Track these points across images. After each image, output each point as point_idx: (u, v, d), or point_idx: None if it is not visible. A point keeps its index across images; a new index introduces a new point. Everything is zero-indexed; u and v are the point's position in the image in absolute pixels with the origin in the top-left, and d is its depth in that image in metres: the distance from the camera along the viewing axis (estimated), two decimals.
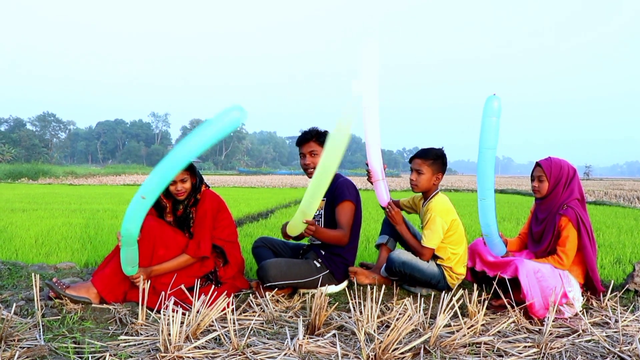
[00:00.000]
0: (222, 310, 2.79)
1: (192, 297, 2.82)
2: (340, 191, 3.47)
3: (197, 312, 2.64)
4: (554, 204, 3.32)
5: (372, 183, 3.60)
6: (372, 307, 2.63)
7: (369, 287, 2.81)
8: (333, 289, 3.51)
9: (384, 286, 3.05)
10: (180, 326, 2.41)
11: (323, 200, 3.60)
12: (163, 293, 3.00)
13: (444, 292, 3.04)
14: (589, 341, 2.63)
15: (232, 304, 2.97)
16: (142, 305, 2.82)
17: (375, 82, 3.27)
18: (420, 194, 3.68)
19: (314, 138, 3.53)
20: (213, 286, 3.28)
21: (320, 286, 3.38)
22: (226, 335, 2.55)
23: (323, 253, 3.52)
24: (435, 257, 3.54)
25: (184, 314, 2.67)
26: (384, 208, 3.64)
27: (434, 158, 3.51)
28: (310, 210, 3.03)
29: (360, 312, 2.65)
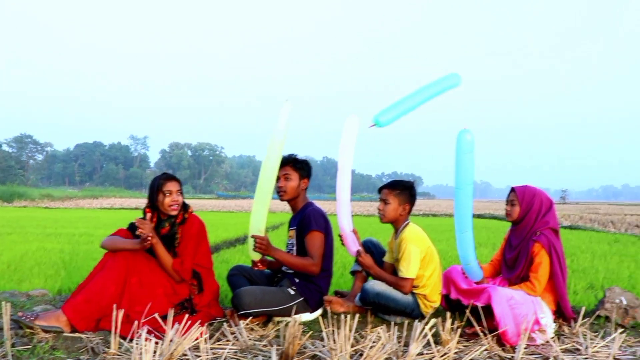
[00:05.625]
0: (195, 339, 2.77)
1: (166, 325, 2.80)
2: (307, 221, 3.50)
3: (171, 341, 2.62)
4: (526, 230, 3.39)
5: (340, 236, 3.66)
6: (345, 335, 2.64)
7: (342, 315, 2.82)
8: (307, 317, 3.51)
9: (357, 314, 3.06)
10: (153, 355, 2.40)
11: (293, 229, 3.63)
12: (136, 322, 2.97)
13: (417, 320, 3.06)
14: None
15: (206, 333, 2.95)
16: (115, 333, 2.78)
17: (352, 150, 3.49)
18: (390, 238, 3.79)
19: (290, 163, 3.60)
20: (187, 314, 3.25)
21: (295, 314, 3.37)
22: None
23: (297, 281, 3.52)
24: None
25: (157, 342, 2.65)
26: (355, 257, 3.69)
27: (401, 189, 3.60)
28: (254, 227, 3.23)
29: (334, 341, 2.66)
